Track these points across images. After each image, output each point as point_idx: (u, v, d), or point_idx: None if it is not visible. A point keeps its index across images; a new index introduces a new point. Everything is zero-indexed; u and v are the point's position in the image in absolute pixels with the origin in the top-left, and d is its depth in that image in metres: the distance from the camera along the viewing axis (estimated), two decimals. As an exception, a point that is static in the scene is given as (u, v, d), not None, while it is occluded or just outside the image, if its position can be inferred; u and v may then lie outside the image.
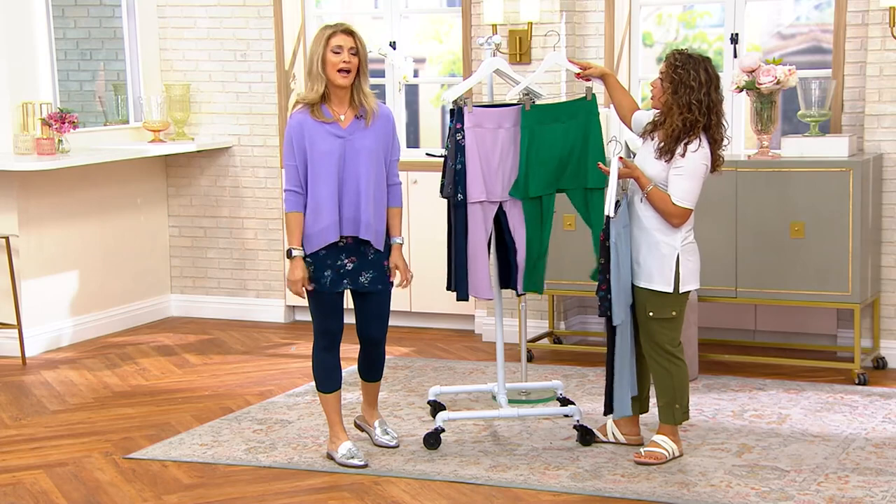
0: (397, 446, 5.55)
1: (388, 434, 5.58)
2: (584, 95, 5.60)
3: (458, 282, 5.54)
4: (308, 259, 5.17)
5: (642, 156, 5.32)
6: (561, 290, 7.12)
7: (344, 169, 5.14)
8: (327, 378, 5.33)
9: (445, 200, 5.59)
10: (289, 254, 5.16)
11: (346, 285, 5.22)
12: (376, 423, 5.59)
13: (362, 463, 5.30)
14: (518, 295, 5.72)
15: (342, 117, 5.15)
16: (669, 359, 5.31)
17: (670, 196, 5.20)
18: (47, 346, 7.66)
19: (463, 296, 5.55)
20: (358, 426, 5.69)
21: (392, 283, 5.33)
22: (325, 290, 5.19)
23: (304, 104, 5.15)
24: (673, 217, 5.22)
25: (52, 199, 7.65)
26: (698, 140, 5.18)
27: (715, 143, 5.24)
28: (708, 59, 5.24)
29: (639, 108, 5.54)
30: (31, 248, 7.53)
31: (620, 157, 5.23)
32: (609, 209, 5.22)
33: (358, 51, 5.11)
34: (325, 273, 5.18)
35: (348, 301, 5.38)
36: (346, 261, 5.20)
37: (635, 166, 5.26)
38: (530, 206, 5.52)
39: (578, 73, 5.63)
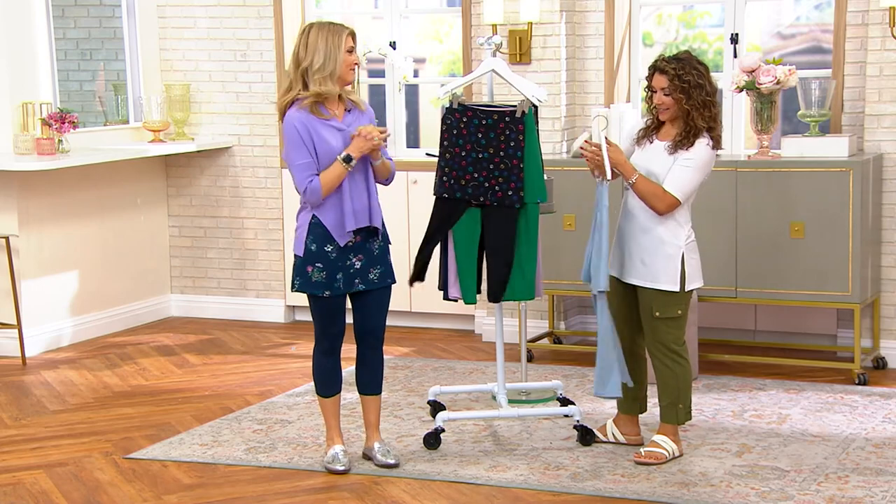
0: (398, 465, 5.34)
1: (388, 454, 5.38)
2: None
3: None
4: (319, 265, 5.14)
5: (643, 160, 5.28)
6: (561, 290, 7.12)
7: None
8: (327, 382, 5.32)
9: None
10: (347, 158, 5.07)
11: (358, 286, 5.21)
12: (376, 445, 5.40)
13: (343, 468, 5.25)
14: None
15: (336, 112, 5.18)
16: (674, 358, 5.30)
17: (663, 183, 5.19)
18: (47, 346, 7.65)
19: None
20: (366, 456, 5.46)
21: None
22: (339, 293, 5.18)
23: (309, 100, 5.10)
24: (659, 201, 5.17)
25: (52, 199, 7.65)
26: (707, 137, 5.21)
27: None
28: (686, 51, 5.27)
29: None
30: (31, 248, 7.53)
31: (606, 138, 5.21)
32: (608, 173, 5.19)
33: (353, 49, 5.18)
34: (337, 276, 5.17)
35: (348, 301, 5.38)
36: (353, 259, 5.19)
37: (621, 151, 5.23)
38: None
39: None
